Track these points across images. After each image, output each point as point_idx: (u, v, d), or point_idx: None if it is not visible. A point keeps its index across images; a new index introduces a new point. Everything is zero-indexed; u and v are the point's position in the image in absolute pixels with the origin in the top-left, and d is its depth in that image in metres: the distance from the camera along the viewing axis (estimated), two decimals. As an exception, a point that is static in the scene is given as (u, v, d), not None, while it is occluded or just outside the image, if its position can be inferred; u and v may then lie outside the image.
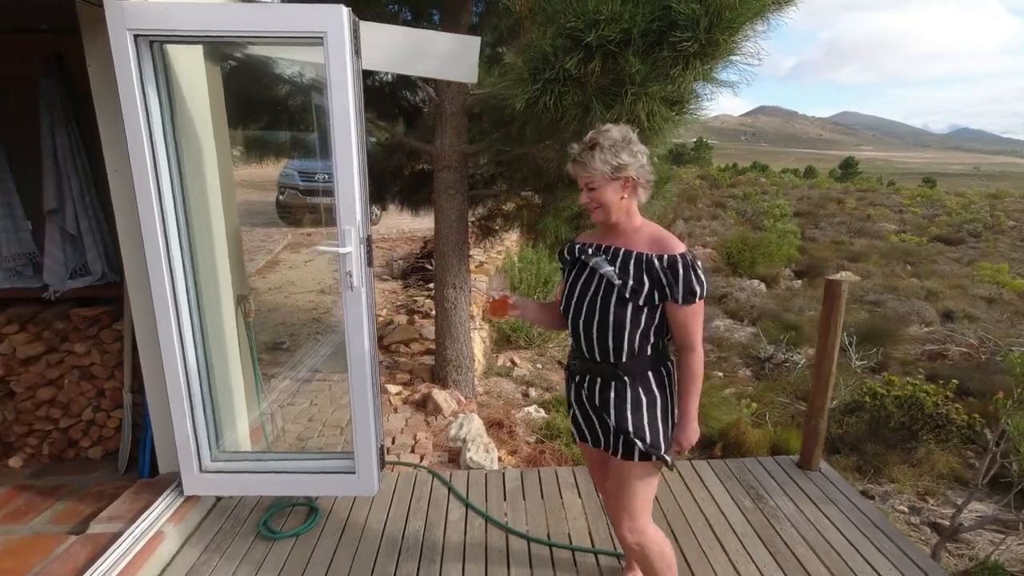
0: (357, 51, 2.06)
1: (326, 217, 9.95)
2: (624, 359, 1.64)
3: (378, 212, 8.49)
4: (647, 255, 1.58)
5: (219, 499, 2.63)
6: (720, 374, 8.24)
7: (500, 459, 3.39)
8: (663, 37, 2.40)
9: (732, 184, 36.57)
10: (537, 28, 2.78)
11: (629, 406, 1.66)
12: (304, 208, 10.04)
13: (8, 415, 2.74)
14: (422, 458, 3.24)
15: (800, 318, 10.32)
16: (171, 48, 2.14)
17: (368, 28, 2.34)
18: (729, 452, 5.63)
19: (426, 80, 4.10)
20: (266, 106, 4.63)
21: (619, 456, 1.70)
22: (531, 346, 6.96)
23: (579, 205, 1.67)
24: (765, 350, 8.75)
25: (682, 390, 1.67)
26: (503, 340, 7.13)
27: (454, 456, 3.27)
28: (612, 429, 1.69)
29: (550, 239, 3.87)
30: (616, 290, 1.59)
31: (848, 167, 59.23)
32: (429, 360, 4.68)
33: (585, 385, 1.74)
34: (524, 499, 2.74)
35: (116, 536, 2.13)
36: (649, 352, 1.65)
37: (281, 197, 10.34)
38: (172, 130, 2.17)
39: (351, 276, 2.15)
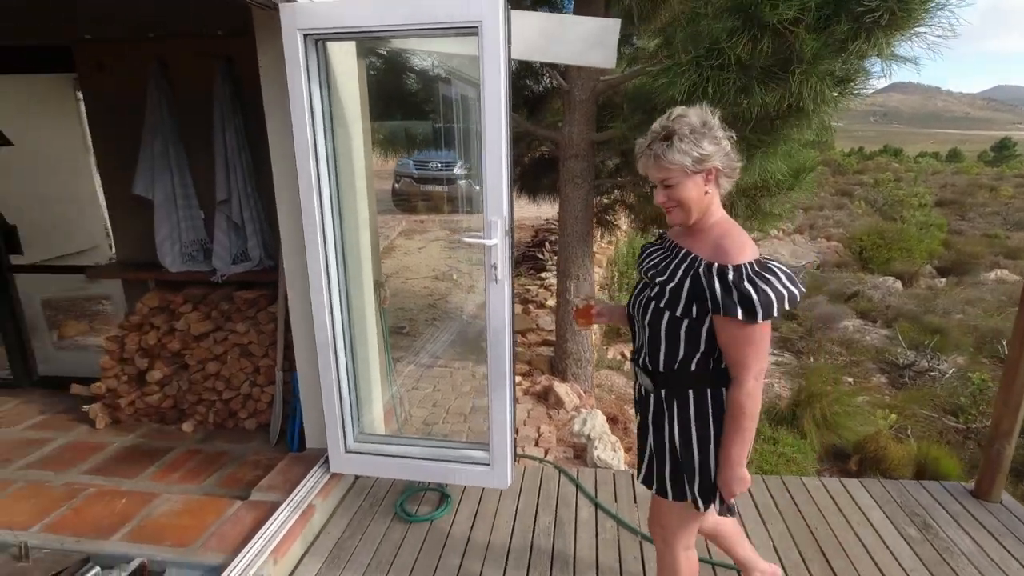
0: (508, 40, 2.02)
1: (439, 205, 10.28)
2: (665, 370, 1.45)
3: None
4: (700, 260, 1.36)
5: (357, 478, 2.77)
6: (850, 380, 7.54)
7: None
8: (840, 8, 2.14)
9: (859, 170, 33.39)
10: (685, 7, 2.60)
11: (677, 433, 1.45)
12: (418, 196, 10.41)
13: (183, 385, 3.05)
14: (547, 452, 3.22)
15: (946, 321, 9.18)
16: (330, 45, 2.22)
17: (514, 15, 2.30)
18: (867, 468, 5.13)
19: (553, 66, 4.02)
20: (396, 99, 4.79)
21: (652, 489, 1.57)
22: (642, 340, 6.75)
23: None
24: (904, 356, 7.89)
25: (724, 429, 1.40)
26: (613, 332, 6.98)
27: (579, 452, 3.21)
28: (649, 450, 1.54)
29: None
30: (656, 296, 1.43)
31: (1004, 149, 51.92)
32: (546, 351, 4.66)
33: (640, 394, 1.59)
34: (656, 505, 2.63)
35: (275, 505, 2.30)
36: (707, 368, 1.41)
37: (397, 185, 10.80)
38: (330, 124, 2.26)
39: (496, 269, 2.13)
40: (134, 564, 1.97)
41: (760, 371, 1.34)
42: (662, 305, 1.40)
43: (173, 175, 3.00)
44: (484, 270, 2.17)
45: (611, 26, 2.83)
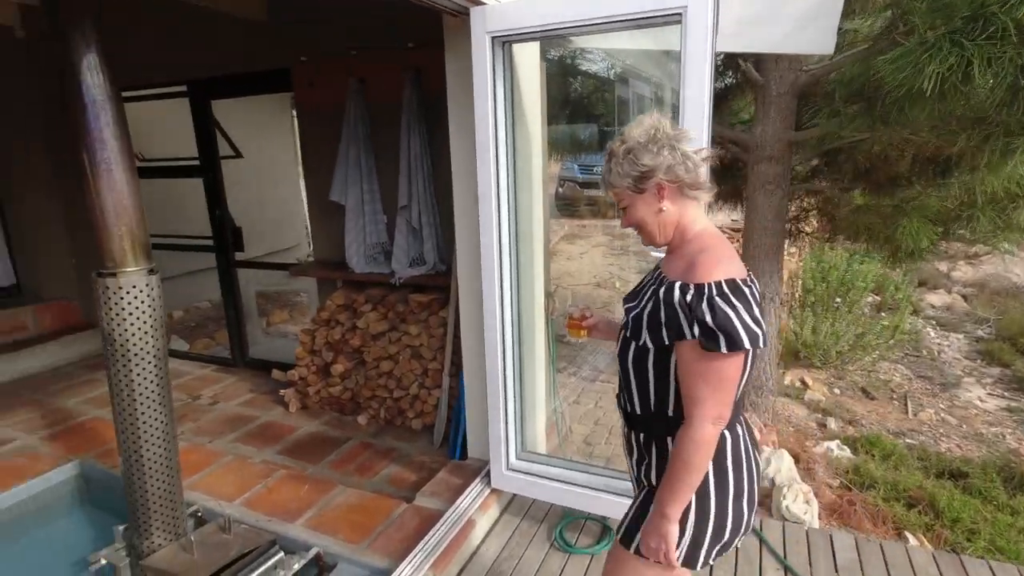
0: (716, 27, 1.76)
1: (602, 209, 10.07)
2: (642, 411, 1.28)
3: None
4: (666, 280, 1.20)
5: (515, 495, 2.68)
6: None
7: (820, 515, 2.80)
8: None
9: None
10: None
11: (656, 482, 1.26)
12: (582, 200, 10.31)
13: (360, 380, 3.24)
14: (722, 493, 2.86)
15: None
16: (515, 47, 2.14)
17: None
18: None
19: (744, 57, 3.59)
20: (564, 101, 4.70)
21: (617, 535, 1.34)
22: (827, 365, 5.90)
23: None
24: None
25: (667, 472, 1.19)
26: (790, 355, 6.17)
27: (761, 498, 2.79)
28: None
29: (908, 247, 3.04)
30: (623, 325, 1.28)
31: None
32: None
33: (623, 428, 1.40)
34: (867, 583, 2.15)
35: (438, 514, 2.28)
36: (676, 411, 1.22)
37: (560, 189, 10.81)
38: (511, 127, 2.19)
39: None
40: (311, 553, 2.07)
41: (718, 416, 1.13)
42: (628, 334, 1.26)
43: (363, 182, 3.19)
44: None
45: (831, 4, 2.40)
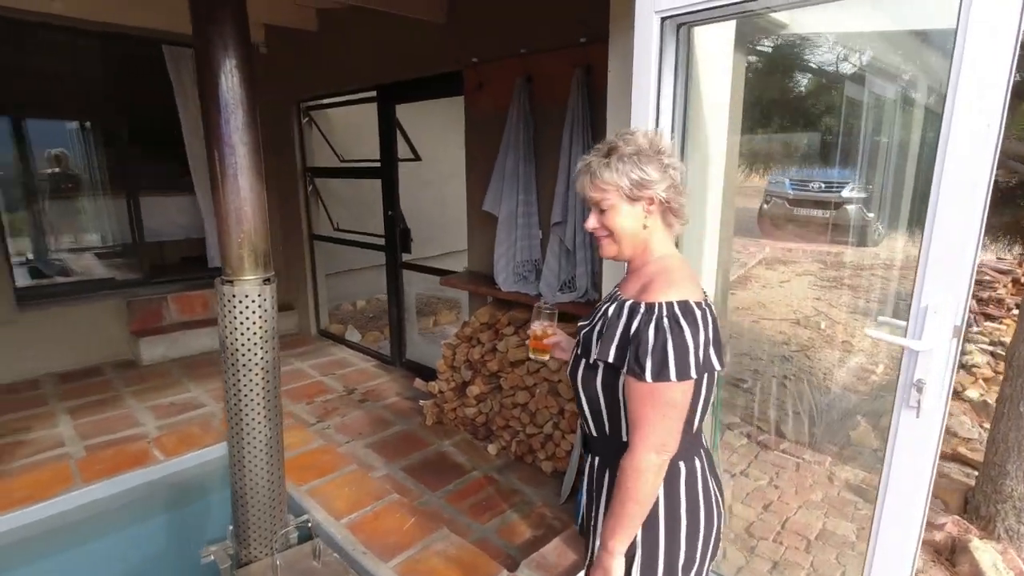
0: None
1: (814, 233, 8.61)
2: (598, 434, 1.22)
3: (882, 230, 6.77)
4: (620, 299, 1.16)
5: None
6: None
7: None
8: None
9: None
10: None
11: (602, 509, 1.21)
12: (790, 220, 8.94)
13: (495, 406, 2.99)
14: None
15: None
16: (698, 33, 1.65)
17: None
18: None
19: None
20: (774, 104, 3.91)
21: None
22: None
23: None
24: None
25: (611, 502, 1.12)
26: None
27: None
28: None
29: None
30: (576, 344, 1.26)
31: None
32: (957, 472, 3.12)
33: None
34: None
35: (540, 597, 1.90)
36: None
37: (765, 206, 9.52)
38: (682, 129, 1.71)
39: (920, 390, 1.22)
40: (392, 609, 1.85)
41: (662, 444, 1.07)
42: (579, 352, 1.23)
43: (519, 192, 2.92)
44: (897, 383, 1.28)
45: None
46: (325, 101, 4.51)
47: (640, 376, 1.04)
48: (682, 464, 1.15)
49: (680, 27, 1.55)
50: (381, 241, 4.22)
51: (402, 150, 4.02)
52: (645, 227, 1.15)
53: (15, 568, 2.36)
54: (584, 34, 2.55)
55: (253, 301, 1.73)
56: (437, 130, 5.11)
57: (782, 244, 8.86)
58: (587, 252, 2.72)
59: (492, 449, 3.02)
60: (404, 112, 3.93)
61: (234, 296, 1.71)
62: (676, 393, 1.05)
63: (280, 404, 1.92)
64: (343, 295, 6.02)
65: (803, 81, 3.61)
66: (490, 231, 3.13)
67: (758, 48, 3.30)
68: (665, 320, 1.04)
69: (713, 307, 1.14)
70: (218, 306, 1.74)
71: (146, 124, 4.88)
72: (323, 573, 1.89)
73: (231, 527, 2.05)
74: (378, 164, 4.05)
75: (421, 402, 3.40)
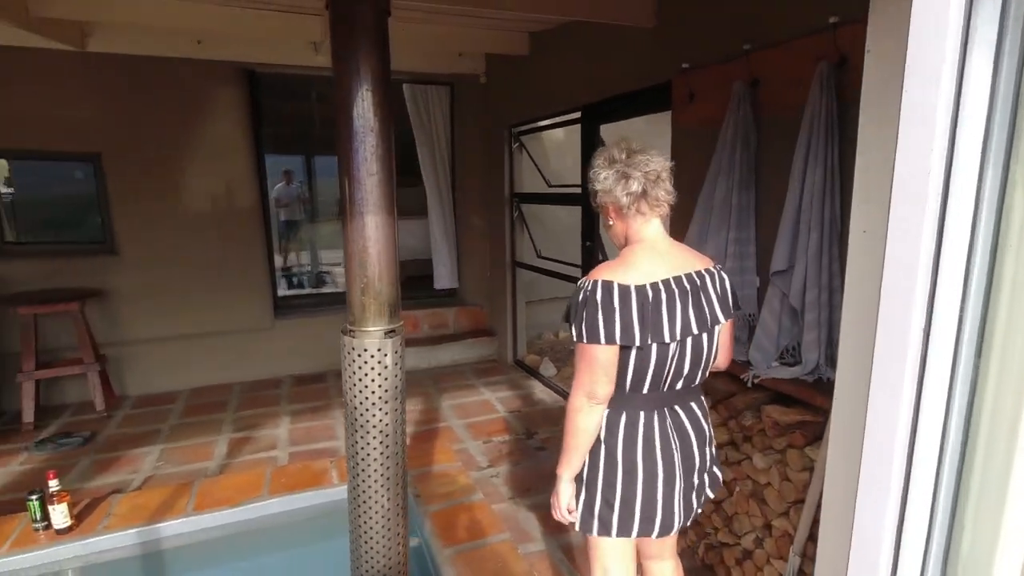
0: None
1: None
2: None
3: None
4: None
5: None
6: None
7: None
8: None
9: None
10: None
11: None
12: None
13: (680, 492, 2.38)
14: None
15: None
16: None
17: None
18: None
19: None
20: None
21: None
22: None
23: None
24: None
25: None
26: None
27: None
28: None
29: None
30: None
31: None
32: None
33: None
34: None
35: None
36: None
37: None
38: (1009, 132, 0.98)
39: None
40: None
41: (589, 393, 1.36)
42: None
43: (729, 228, 2.29)
44: None
45: None
46: (534, 125, 4.39)
47: (572, 336, 1.36)
48: (623, 415, 1.41)
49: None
50: (578, 272, 3.89)
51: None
52: (609, 225, 1.47)
53: (204, 567, 2.59)
54: (833, 12, 1.85)
55: (372, 356, 1.52)
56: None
57: None
58: (822, 313, 1.97)
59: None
60: (608, 135, 3.54)
61: (353, 349, 1.52)
62: (595, 352, 1.32)
63: (404, 472, 1.69)
64: (544, 324, 5.86)
65: None
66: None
67: None
68: (586, 293, 1.33)
69: (653, 291, 1.34)
70: (341, 356, 1.58)
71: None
72: None
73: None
74: (579, 190, 3.74)
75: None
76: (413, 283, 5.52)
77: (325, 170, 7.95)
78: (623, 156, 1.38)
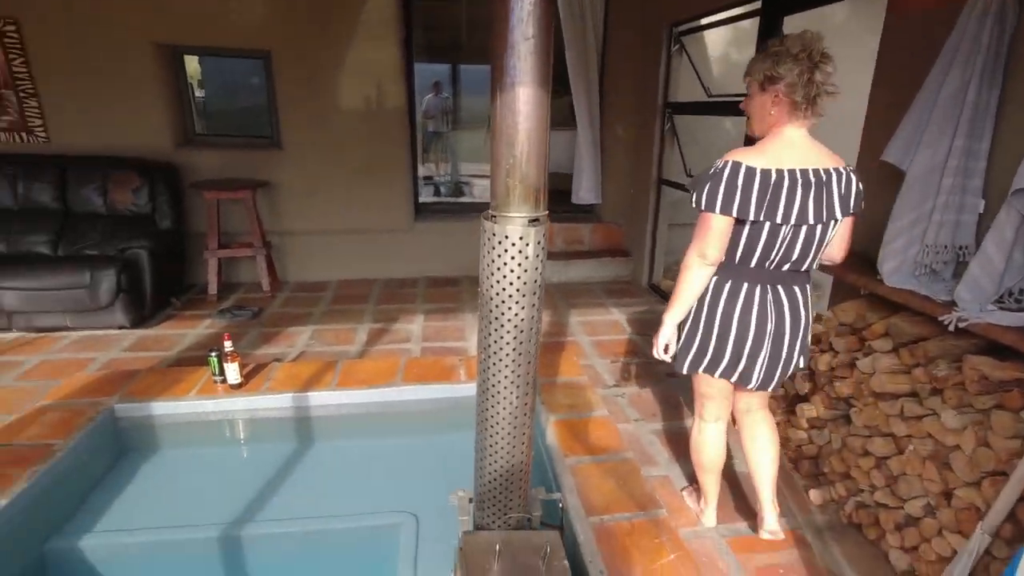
0: None
1: None
2: None
3: None
4: None
5: None
6: None
7: None
8: None
9: None
10: None
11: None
12: None
13: (835, 441, 2.11)
14: None
15: None
16: None
17: None
18: None
19: None
20: None
21: None
22: None
23: None
24: None
25: None
26: None
27: None
28: None
29: None
30: None
31: None
32: None
33: None
34: None
35: None
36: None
37: None
38: None
39: None
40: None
41: (701, 254, 1.59)
42: None
43: (954, 135, 1.82)
44: None
45: None
46: (700, 23, 3.86)
47: (692, 203, 1.59)
48: (728, 283, 1.66)
49: None
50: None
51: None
52: (770, 114, 1.56)
53: (342, 437, 2.83)
54: None
55: (513, 244, 1.43)
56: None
57: None
58: (1079, 248, 1.52)
59: (815, 496, 2.18)
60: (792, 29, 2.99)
61: (494, 235, 1.44)
62: (711, 220, 1.54)
63: (535, 371, 1.63)
64: (684, 249, 5.47)
65: None
66: (885, 193, 2.11)
67: None
68: (715, 169, 1.53)
69: (789, 177, 1.50)
70: (480, 243, 1.50)
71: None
72: (544, 576, 1.58)
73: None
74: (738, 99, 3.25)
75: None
76: (554, 197, 5.38)
77: (470, 82, 7.89)
78: (817, 57, 1.46)
